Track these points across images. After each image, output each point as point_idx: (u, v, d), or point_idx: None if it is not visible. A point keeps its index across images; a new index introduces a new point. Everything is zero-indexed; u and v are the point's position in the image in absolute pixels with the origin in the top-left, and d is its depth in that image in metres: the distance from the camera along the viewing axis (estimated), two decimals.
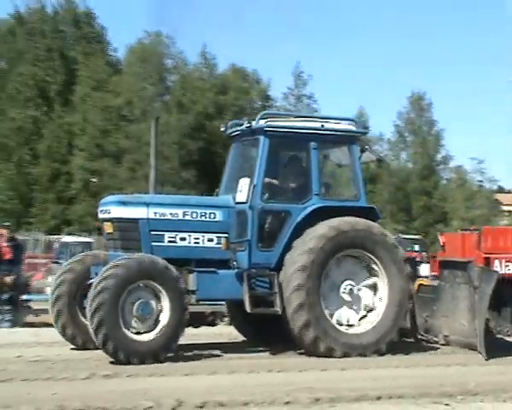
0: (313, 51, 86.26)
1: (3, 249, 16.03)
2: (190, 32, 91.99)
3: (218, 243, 10.88)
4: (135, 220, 10.75)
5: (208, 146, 44.54)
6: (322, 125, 11.38)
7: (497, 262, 11.60)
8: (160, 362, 9.87)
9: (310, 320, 10.52)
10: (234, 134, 11.87)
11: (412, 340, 12.01)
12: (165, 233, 10.84)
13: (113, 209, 10.86)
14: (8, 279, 15.97)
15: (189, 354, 10.65)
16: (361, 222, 11.03)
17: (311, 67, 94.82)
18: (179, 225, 10.91)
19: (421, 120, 52.51)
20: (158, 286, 10.12)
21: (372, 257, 11.07)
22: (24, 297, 17.18)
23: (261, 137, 11.07)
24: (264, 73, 68.38)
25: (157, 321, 10.16)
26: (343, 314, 11.09)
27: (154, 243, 10.72)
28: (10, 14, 46.53)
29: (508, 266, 11.68)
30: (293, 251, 10.76)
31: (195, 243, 10.93)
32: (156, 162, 11.66)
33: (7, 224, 19.56)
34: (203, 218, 10.98)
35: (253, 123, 11.23)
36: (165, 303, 10.13)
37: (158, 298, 10.18)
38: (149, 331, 10.09)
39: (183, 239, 10.89)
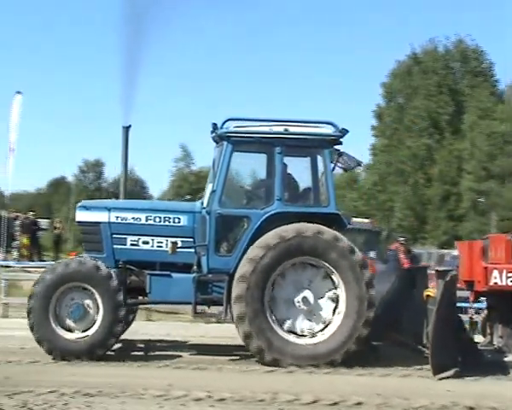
0: None
1: (402, 260, 16.67)
2: None
3: (183, 247, 10.47)
4: (96, 224, 10.69)
5: None
6: (286, 130, 10.37)
7: (496, 273, 9.93)
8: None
9: (251, 332, 9.75)
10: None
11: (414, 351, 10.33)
12: (128, 237, 10.61)
13: (77, 214, 10.94)
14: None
15: None
16: (310, 228, 9.86)
17: None
18: (142, 229, 10.61)
19: None
20: (88, 286, 10.04)
21: (326, 264, 9.92)
22: None
23: (224, 143, 10.40)
24: None
25: (94, 320, 10.06)
26: (299, 324, 10.03)
27: (115, 246, 10.59)
28: (408, 56, 50.02)
29: (510, 277, 9.87)
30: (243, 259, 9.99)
31: (158, 246, 10.56)
32: None
33: (402, 238, 21.74)
34: (167, 222, 10.61)
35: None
36: (99, 302, 10.02)
37: (94, 298, 10.07)
38: (87, 330, 10.06)
39: (145, 243, 10.61)
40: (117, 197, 11.80)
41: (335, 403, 7.82)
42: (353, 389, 8.51)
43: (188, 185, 63.92)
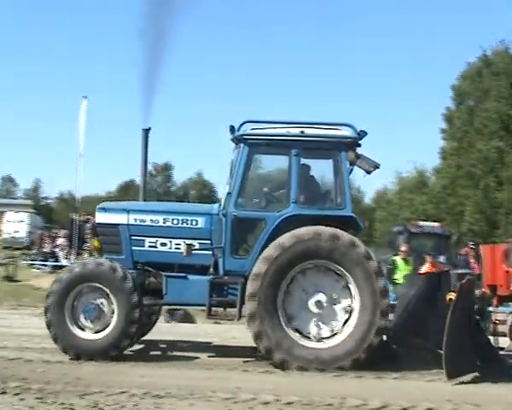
0: None
1: (473, 265, 16.86)
2: None
3: (200, 249, 10.43)
4: (115, 226, 10.70)
5: None
6: (302, 132, 10.19)
7: None
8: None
9: (261, 331, 9.64)
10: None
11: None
12: (146, 239, 10.60)
13: (97, 216, 10.98)
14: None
15: None
16: (327, 231, 9.65)
17: None
18: (160, 231, 10.58)
19: None
20: (104, 288, 10.08)
21: (341, 269, 9.71)
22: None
23: (241, 145, 10.31)
24: None
25: (109, 321, 10.08)
26: (310, 327, 9.87)
27: (134, 248, 10.61)
28: (478, 57, 48.72)
29: None
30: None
31: (176, 248, 10.50)
32: None
33: (473, 243, 20.40)
34: (184, 224, 10.55)
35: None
36: (114, 303, 10.04)
37: (109, 299, 10.08)
38: (102, 330, 10.09)
39: (163, 245, 10.57)
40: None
41: (404, 409, 7.73)
42: (423, 394, 8.36)
43: None
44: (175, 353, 11.24)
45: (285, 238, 9.76)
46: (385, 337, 10.25)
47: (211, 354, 11.29)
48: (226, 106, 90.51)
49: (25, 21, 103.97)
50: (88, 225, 27.77)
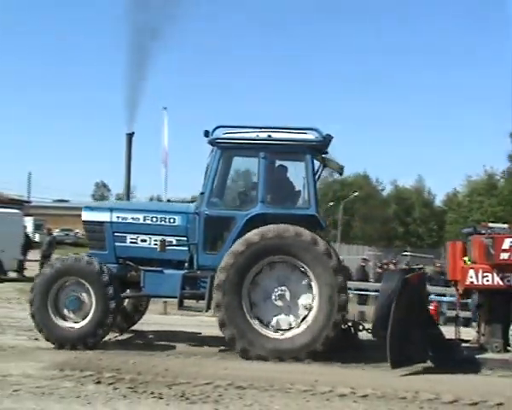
0: None
1: None
2: None
3: (177, 246, 10.97)
4: (100, 223, 11.28)
5: None
6: (269, 136, 10.66)
7: (472, 272, 9.95)
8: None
9: (224, 320, 10.12)
10: None
11: None
12: (127, 235, 11.17)
13: (83, 214, 11.53)
14: None
15: None
16: (290, 229, 10.15)
17: None
18: (140, 228, 11.14)
19: None
20: (82, 281, 10.61)
21: (303, 265, 10.19)
22: None
23: (214, 148, 10.85)
24: None
25: (89, 311, 10.59)
26: (272, 319, 10.32)
27: (117, 244, 11.17)
28: None
29: (486, 276, 9.88)
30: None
31: (155, 244, 10.99)
32: None
33: None
34: (163, 222, 11.11)
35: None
36: (92, 295, 10.55)
37: (88, 291, 10.59)
38: (82, 320, 10.60)
39: (143, 241, 11.13)
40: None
41: (476, 403, 7.79)
42: (495, 389, 8.44)
43: (332, 193, 64.80)
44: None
45: (251, 235, 10.24)
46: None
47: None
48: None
49: None
50: None
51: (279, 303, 10.33)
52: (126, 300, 12.22)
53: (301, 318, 10.27)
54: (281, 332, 10.27)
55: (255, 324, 10.25)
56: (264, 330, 10.24)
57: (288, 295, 10.33)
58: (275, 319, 10.34)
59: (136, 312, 12.73)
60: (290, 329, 10.27)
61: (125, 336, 12.34)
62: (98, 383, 8.25)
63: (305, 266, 10.22)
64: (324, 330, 10.04)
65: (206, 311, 10.73)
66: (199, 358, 10.24)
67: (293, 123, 11.15)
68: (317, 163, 11.04)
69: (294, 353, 9.99)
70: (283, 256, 10.29)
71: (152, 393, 7.83)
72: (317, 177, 10.91)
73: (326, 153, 11.15)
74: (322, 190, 63.71)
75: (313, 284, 10.21)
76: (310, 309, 10.22)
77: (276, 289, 10.34)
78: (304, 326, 10.20)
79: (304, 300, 10.33)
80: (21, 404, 7.31)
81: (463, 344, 10.63)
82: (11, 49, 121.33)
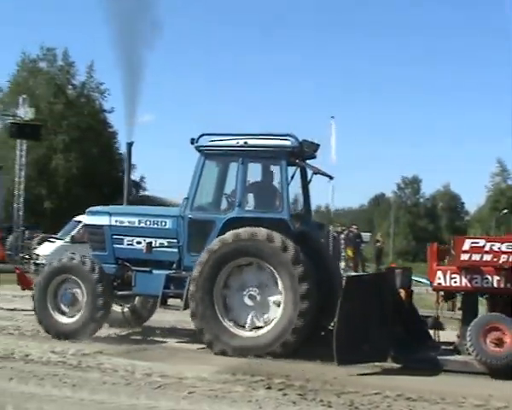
0: None
1: None
2: None
3: (168, 247, 11.38)
4: (100, 227, 11.80)
5: None
6: (246, 143, 10.95)
7: (439, 274, 9.98)
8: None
9: (202, 328, 10.55)
10: None
11: None
12: (125, 237, 11.61)
13: (85, 218, 12.22)
14: None
15: None
16: (262, 232, 10.43)
17: None
18: (135, 231, 11.57)
19: None
20: (75, 278, 11.20)
21: (265, 263, 10.48)
22: None
23: (198, 155, 11.25)
24: None
25: (82, 307, 11.17)
26: (245, 318, 10.63)
27: (115, 246, 11.65)
28: None
29: (454, 278, 9.89)
30: None
31: None
32: None
33: None
34: (155, 225, 11.49)
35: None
36: (84, 292, 11.12)
37: (81, 288, 11.17)
38: (76, 315, 11.20)
39: (138, 243, 11.53)
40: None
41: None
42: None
43: (505, 200, 62.40)
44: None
45: (227, 235, 10.58)
46: None
47: None
48: None
49: None
50: (342, 235, 28.76)
51: (250, 303, 10.61)
52: (136, 298, 12.66)
53: (272, 316, 10.52)
54: (254, 330, 10.58)
55: (229, 325, 10.57)
56: (238, 331, 10.58)
57: (258, 295, 10.60)
58: (248, 318, 10.62)
59: (143, 309, 13.11)
60: (263, 326, 10.56)
61: None
62: (268, 388, 8.30)
63: (266, 264, 10.50)
64: (292, 321, 10.24)
65: (184, 309, 11.01)
66: (367, 367, 9.74)
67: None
68: (293, 168, 11.22)
69: (269, 347, 10.25)
70: (254, 258, 10.58)
71: (321, 401, 7.80)
72: (307, 182, 11.69)
73: (314, 157, 11.68)
74: (492, 198, 62.85)
75: (280, 284, 10.45)
76: (279, 308, 10.43)
77: (247, 290, 10.63)
78: (274, 322, 10.48)
79: (273, 299, 10.57)
80: (197, 406, 7.48)
81: (442, 346, 10.40)
82: None
